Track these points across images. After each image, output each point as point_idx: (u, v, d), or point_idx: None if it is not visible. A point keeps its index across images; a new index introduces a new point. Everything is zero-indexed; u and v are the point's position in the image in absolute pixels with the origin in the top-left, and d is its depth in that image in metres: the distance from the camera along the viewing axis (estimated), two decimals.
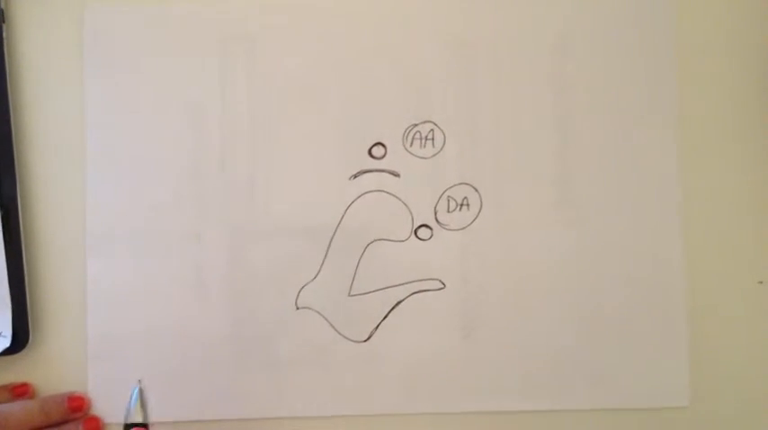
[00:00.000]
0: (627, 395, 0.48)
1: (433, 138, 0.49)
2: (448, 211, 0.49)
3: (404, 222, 0.49)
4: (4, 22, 0.48)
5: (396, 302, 0.48)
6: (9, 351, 0.47)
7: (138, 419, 0.40)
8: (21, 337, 0.47)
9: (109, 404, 0.48)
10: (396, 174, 0.49)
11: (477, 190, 0.49)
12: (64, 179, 0.49)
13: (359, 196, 0.49)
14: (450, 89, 0.49)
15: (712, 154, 0.49)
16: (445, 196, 0.49)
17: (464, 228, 0.49)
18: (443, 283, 0.48)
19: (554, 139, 0.49)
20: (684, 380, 0.48)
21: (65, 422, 0.47)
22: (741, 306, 0.49)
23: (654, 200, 0.49)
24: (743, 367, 0.49)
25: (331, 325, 0.48)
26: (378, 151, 0.49)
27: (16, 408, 0.46)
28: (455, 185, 0.49)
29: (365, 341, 0.48)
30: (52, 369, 0.48)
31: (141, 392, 0.41)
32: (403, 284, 0.48)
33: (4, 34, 0.48)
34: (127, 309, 0.48)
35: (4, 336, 0.47)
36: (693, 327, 0.49)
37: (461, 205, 0.49)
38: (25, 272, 0.48)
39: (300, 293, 0.48)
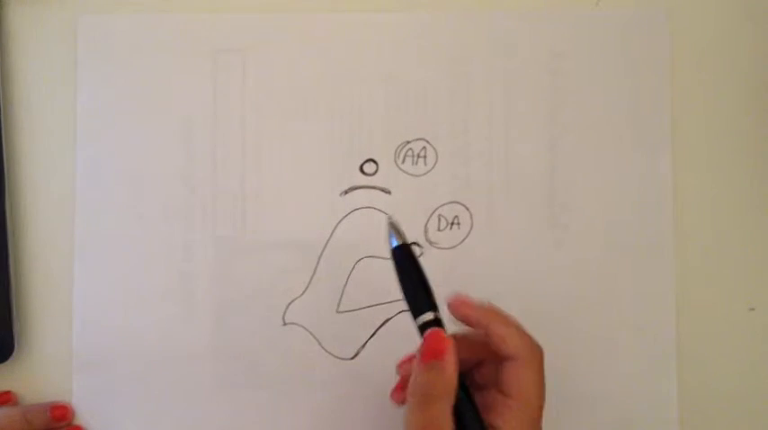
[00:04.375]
0: (615, 417, 0.48)
1: (425, 156, 0.49)
2: (438, 230, 0.48)
3: None
4: None
5: (384, 320, 0.48)
6: None
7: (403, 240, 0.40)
8: (6, 347, 0.47)
9: (93, 415, 0.48)
10: (387, 192, 0.49)
11: (468, 209, 0.48)
12: (53, 189, 0.48)
13: (349, 212, 0.48)
14: (443, 107, 0.49)
15: (705, 177, 0.49)
16: (436, 214, 0.48)
17: (454, 247, 0.48)
18: None
19: (547, 159, 0.49)
20: (673, 404, 0.48)
21: None
22: (732, 333, 0.49)
23: (647, 221, 0.49)
24: (734, 395, 0.48)
25: (318, 341, 0.48)
26: (369, 168, 0.49)
27: None
28: (446, 204, 0.49)
29: (352, 358, 0.48)
30: (37, 379, 0.48)
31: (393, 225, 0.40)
32: (391, 302, 0.48)
33: None
34: (113, 321, 0.48)
35: None
36: (684, 353, 0.48)
37: (452, 224, 0.48)
38: (12, 281, 0.47)
39: (288, 309, 0.48)
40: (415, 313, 0.39)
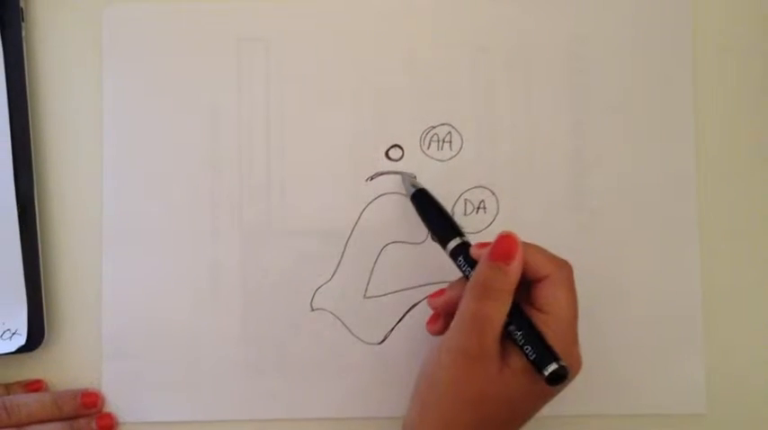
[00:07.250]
0: (643, 401, 0.48)
1: (450, 141, 0.49)
2: (465, 214, 0.48)
3: (420, 225, 0.48)
4: (23, 20, 0.48)
5: (411, 305, 0.48)
6: (24, 349, 0.47)
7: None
8: (36, 335, 0.47)
9: (122, 402, 0.48)
10: (413, 177, 0.49)
11: (494, 193, 0.49)
12: (81, 178, 0.49)
13: (375, 198, 0.48)
14: (467, 91, 0.49)
15: (729, 158, 0.49)
16: (462, 199, 0.49)
17: (480, 231, 0.48)
18: None
19: (571, 143, 0.49)
20: (701, 387, 0.48)
21: (77, 417, 0.47)
22: (759, 313, 0.49)
23: (671, 204, 0.49)
24: (760, 375, 0.48)
25: (346, 327, 0.48)
26: (395, 153, 0.49)
27: (29, 399, 0.46)
28: (472, 188, 0.49)
29: (380, 343, 0.48)
30: (67, 367, 0.48)
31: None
32: (418, 287, 0.48)
33: (24, 33, 0.48)
34: (142, 309, 0.48)
35: (20, 334, 0.47)
36: (710, 334, 0.48)
37: (478, 208, 0.49)
38: (41, 270, 0.48)
39: (315, 295, 0.48)
40: (443, 242, 0.43)
